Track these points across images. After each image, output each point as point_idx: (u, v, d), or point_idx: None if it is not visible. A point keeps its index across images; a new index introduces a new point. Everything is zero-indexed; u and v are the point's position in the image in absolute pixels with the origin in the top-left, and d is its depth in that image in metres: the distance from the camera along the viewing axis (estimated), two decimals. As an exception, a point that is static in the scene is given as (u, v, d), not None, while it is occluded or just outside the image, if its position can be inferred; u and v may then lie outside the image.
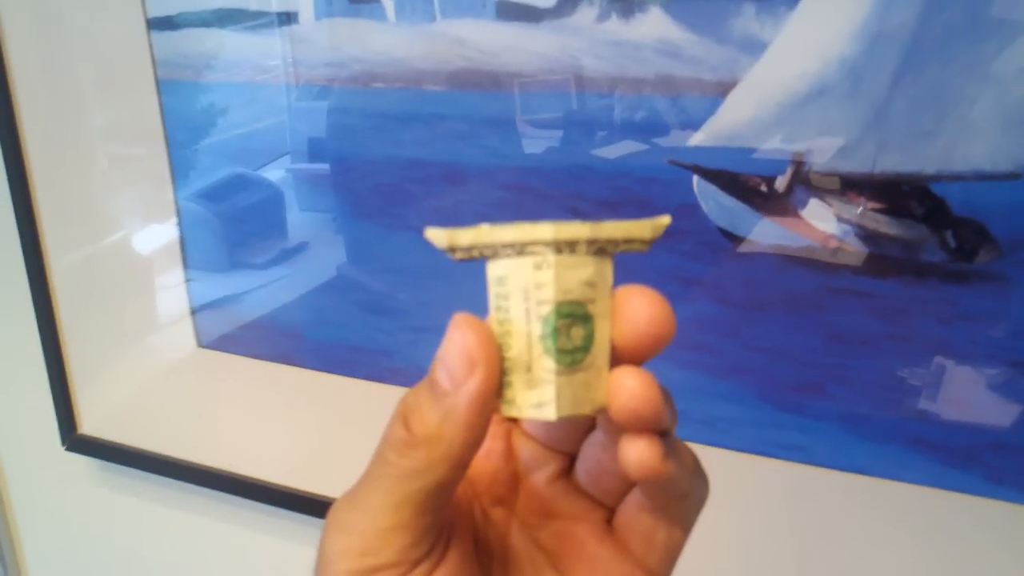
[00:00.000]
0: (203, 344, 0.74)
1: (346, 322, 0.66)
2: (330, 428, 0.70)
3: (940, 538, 0.52)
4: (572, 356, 0.25)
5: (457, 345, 0.25)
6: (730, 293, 0.53)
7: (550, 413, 0.25)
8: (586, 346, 0.25)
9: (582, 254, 0.25)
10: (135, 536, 0.88)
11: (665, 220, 0.26)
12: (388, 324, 0.64)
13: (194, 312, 0.74)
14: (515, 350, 0.25)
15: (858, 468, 0.53)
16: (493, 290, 0.26)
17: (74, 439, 0.81)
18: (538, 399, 0.25)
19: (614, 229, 0.25)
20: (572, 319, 0.25)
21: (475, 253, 0.26)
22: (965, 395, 0.49)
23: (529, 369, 0.25)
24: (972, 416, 0.49)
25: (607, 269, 0.26)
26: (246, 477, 0.74)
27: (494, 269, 0.26)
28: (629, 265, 0.56)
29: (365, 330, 0.66)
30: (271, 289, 0.69)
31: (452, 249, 0.26)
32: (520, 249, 0.25)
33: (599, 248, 0.25)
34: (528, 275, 0.25)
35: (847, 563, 0.55)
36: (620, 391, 0.25)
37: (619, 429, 0.26)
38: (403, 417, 0.27)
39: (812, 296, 0.51)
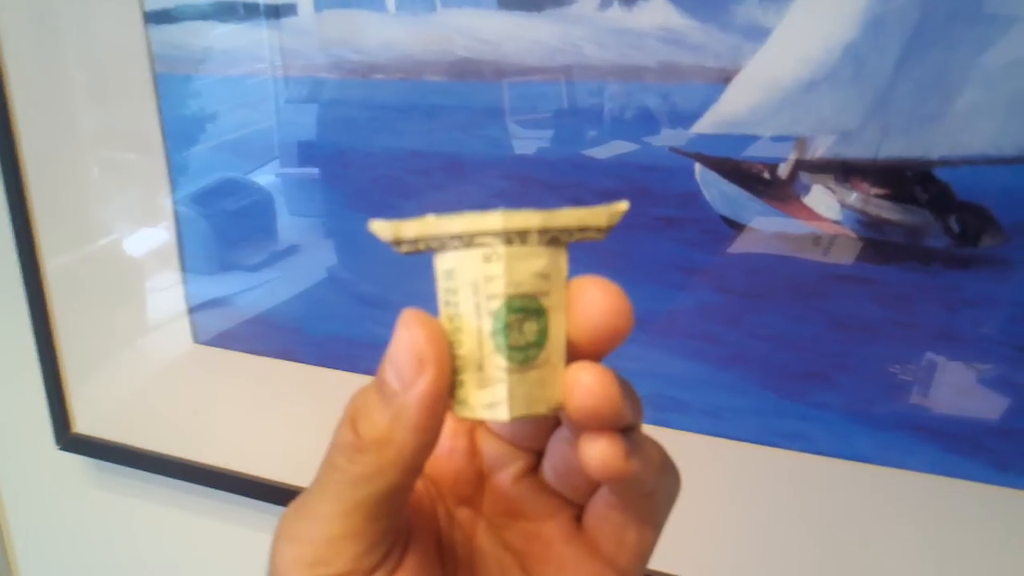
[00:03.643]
0: (200, 341, 0.74)
1: (344, 316, 0.66)
2: (329, 424, 0.69)
3: (945, 525, 0.52)
4: (525, 353, 0.24)
5: (405, 343, 0.24)
6: (733, 281, 0.53)
7: (503, 414, 0.24)
8: (540, 342, 0.24)
9: (534, 244, 0.24)
10: (130, 536, 0.87)
11: (622, 206, 0.25)
12: (387, 317, 0.64)
13: (191, 310, 0.73)
14: (466, 347, 0.24)
15: (862, 456, 0.53)
16: (441, 284, 0.25)
17: (68, 438, 0.81)
18: (490, 399, 0.24)
19: (567, 217, 0.24)
20: (524, 313, 0.24)
21: (421, 246, 0.25)
22: (970, 381, 0.49)
23: (481, 367, 0.24)
24: (977, 402, 0.49)
25: (561, 260, 0.25)
26: (243, 474, 0.73)
27: (442, 262, 0.25)
28: (630, 254, 0.56)
29: (364, 324, 0.65)
30: (267, 288, 0.69)
31: (397, 242, 0.25)
32: (468, 240, 0.24)
33: (552, 238, 0.24)
34: (477, 268, 0.24)
35: (852, 552, 0.55)
36: (576, 388, 0.24)
37: (578, 428, 0.25)
38: (351, 420, 0.26)
39: (815, 283, 0.51)
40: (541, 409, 0.24)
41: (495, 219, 0.23)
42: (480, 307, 0.24)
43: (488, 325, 0.24)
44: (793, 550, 0.56)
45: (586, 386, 0.24)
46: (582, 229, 0.25)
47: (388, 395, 0.25)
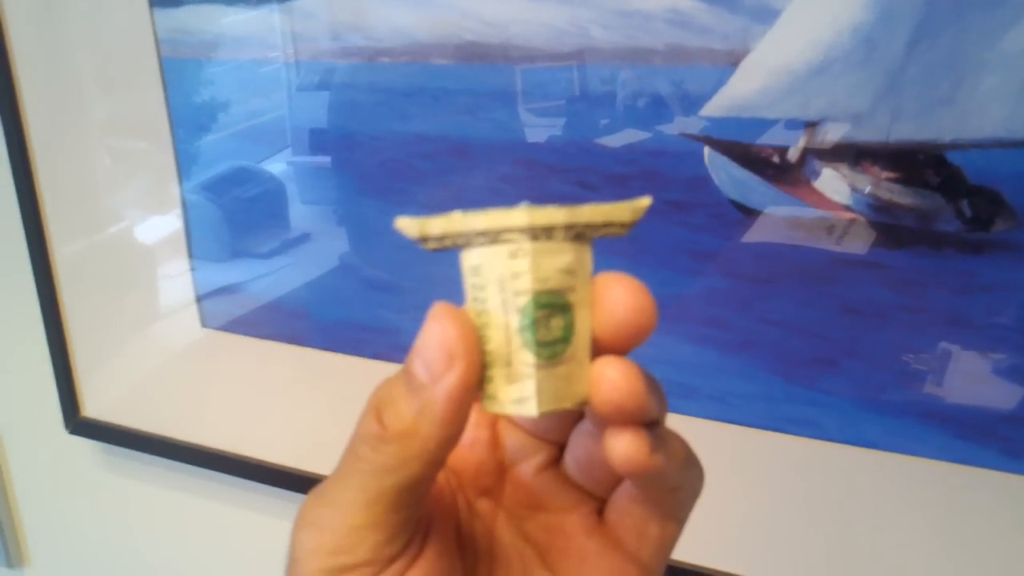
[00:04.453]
0: (208, 325, 0.74)
1: (353, 301, 0.66)
2: (337, 408, 0.69)
3: (955, 513, 0.51)
4: (552, 348, 0.24)
5: (436, 336, 0.24)
6: (742, 266, 0.52)
7: (531, 409, 0.24)
8: (566, 337, 0.24)
9: (559, 240, 0.24)
10: (139, 519, 0.87)
11: (645, 202, 0.25)
12: (396, 302, 0.64)
13: (200, 296, 0.73)
14: (494, 343, 0.24)
15: (871, 443, 0.52)
16: (469, 280, 0.25)
17: (77, 422, 0.81)
18: (519, 394, 0.24)
19: (592, 213, 0.24)
20: (551, 309, 0.24)
21: (447, 243, 0.25)
22: (981, 367, 0.48)
23: (509, 363, 0.24)
24: (988, 389, 0.49)
25: (586, 255, 0.25)
26: (250, 458, 0.74)
27: (468, 258, 0.25)
28: (639, 239, 0.56)
29: (372, 308, 0.65)
30: (276, 275, 0.69)
31: (424, 239, 0.25)
32: (494, 237, 0.24)
33: (577, 233, 0.24)
34: (503, 264, 0.24)
35: (861, 538, 0.54)
36: (601, 383, 0.24)
37: (603, 422, 0.25)
38: (376, 410, 0.26)
39: (825, 268, 0.50)
40: (568, 404, 0.25)
41: (520, 215, 0.23)
42: (507, 303, 0.24)
43: (515, 321, 0.24)
44: (801, 536, 0.56)
45: (612, 381, 0.24)
46: (607, 225, 0.25)
47: (416, 387, 0.25)
